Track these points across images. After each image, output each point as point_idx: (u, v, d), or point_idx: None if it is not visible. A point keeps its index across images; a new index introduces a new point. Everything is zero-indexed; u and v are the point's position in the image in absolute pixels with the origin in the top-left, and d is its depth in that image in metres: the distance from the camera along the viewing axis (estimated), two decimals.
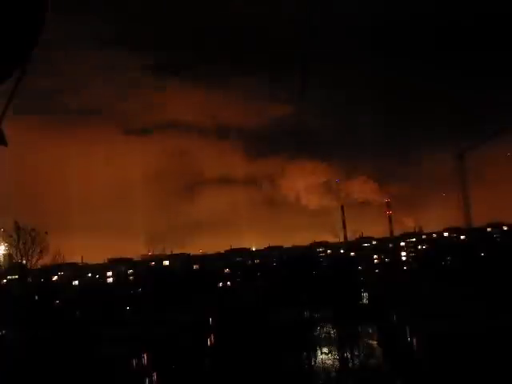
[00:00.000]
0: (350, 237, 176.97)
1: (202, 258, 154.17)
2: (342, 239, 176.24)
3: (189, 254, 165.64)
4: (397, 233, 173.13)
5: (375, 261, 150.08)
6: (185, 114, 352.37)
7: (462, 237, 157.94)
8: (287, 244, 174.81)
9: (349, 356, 55.73)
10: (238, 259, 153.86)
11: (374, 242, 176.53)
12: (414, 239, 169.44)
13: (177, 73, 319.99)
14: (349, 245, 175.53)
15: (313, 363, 61.16)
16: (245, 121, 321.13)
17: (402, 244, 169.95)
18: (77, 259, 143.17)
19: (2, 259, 36.76)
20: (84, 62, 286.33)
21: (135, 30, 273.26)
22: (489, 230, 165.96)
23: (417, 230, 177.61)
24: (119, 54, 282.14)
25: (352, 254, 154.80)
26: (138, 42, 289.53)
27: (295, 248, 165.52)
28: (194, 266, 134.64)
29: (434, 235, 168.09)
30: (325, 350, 61.60)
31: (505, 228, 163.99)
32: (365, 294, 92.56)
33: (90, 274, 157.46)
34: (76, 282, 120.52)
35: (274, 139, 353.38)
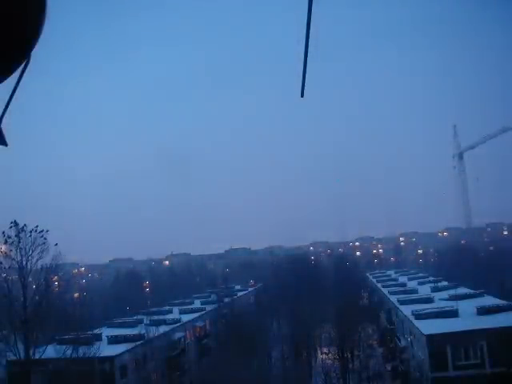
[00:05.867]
0: (351, 236, 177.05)
1: (202, 258, 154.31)
2: (342, 239, 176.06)
3: (189, 254, 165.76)
4: (396, 232, 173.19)
5: (375, 261, 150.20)
6: None
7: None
8: (287, 244, 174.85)
9: (349, 356, 55.76)
10: (237, 259, 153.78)
11: (373, 242, 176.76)
12: (414, 239, 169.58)
13: None
14: (348, 244, 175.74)
15: (313, 363, 61.27)
16: None
17: (402, 244, 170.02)
18: (77, 259, 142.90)
19: (1, 260, 36.78)
20: None
21: None
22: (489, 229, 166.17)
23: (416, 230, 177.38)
24: None
25: (352, 253, 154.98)
26: None
27: (295, 248, 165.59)
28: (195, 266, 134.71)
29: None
30: (325, 349, 61.69)
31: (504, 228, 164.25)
32: (365, 294, 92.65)
33: (90, 274, 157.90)
34: (76, 282, 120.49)
35: None
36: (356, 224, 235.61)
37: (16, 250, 35.19)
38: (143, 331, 46.19)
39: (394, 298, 60.62)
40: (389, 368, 56.10)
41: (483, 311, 43.92)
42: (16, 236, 35.02)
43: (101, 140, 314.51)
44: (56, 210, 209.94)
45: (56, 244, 36.36)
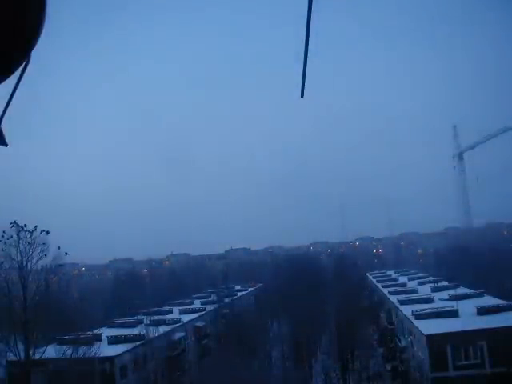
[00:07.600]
0: (351, 236, 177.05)
1: (202, 258, 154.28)
2: (342, 239, 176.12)
3: (189, 254, 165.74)
4: (396, 232, 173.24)
5: (375, 260, 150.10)
6: None
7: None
8: (287, 244, 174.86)
9: (349, 356, 55.75)
10: (237, 259, 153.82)
11: (373, 242, 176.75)
12: (414, 239, 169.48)
13: None
14: (348, 244, 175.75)
15: (313, 363, 61.25)
16: None
17: (402, 244, 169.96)
18: (77, 259, 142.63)
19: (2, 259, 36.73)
20: None
21: None
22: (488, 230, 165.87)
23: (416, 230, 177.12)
24: None
25: (352, 253, 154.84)
26: None
27: (295, 248, 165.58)
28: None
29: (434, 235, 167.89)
30: (325, 349, 61.71)
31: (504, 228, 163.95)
32: (365, 294, 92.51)
33: (90, 274, 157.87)
34: (76, 283, 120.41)
35: None
36: (356, 224, 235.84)
37: (16, 250, 35.17)
38: (143, 331, 46.19)
39: (394, 298, 60.60)
40: (389, 368, 56.11)
41: (483, 311, 43.88)
42: (16, 236, 35.00)
43: (101, 140, 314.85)
44: (56, 210, 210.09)
45: (59, 248, 36.42)
